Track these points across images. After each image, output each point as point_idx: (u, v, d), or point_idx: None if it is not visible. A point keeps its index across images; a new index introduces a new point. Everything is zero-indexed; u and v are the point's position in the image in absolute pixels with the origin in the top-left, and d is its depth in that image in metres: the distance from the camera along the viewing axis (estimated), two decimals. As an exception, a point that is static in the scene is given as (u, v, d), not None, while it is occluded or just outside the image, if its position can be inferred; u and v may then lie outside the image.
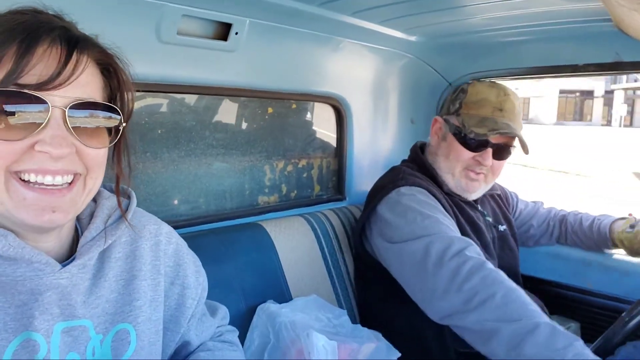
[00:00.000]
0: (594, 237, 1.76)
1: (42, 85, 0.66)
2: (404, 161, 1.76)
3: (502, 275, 1.22)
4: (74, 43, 0.70)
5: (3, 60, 0.65)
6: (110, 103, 0.77)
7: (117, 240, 0.86)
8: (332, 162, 2.07)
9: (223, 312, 1.12)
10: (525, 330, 1.07)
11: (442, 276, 1.25)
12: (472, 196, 1.64)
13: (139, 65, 1.28)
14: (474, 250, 1.29)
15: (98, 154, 0.74)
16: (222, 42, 1.39)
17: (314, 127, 2.02)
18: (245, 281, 1.44)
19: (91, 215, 0.85)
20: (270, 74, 1.64)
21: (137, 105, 1.42)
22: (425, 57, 1.98)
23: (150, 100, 1.47)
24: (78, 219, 0.85)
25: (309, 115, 1.99)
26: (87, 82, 0.72)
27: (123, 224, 0.86)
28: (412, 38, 1.78)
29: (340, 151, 2.04)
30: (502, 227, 1.72)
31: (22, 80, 0.65)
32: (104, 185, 0.91)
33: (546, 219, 1.91)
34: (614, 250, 1.80)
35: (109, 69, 0.77)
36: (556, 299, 1.88)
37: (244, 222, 1.64)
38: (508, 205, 1.88)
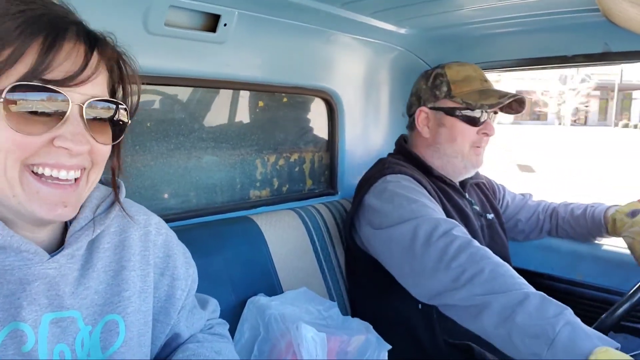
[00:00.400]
0: (587, 225, 1.75)
1: (67, 82, 0.67)
2: (390, 154, 1.77)
3: (489, 251, 1.23)
4: (95, 41, 0.72)
5: (26, 53, 0.65)
6: (115, 98, 0.79)
7: (105, 230, 0.86)
8: (324, 156, 2.06)
9: (213, 305, 1.13)
10: (515, 300, 1.08)
11: (430, 256, 1.25)
12: (475, 171, 1.69)
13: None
14: (461, 230, 1.30)
15: (106, 150, 0.77)
16: (210, 34, 1.38)
17: (305, 121, 2.01)
18: (235, 274, 1.43)
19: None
20: (260, 66, 1.63)
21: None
22: (415, 50, 1.98)
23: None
24: None
25: (300, 109, 1.99)
26: (101, 80, 0.74)
27: (112, 214, 0.85)
28: (402, 30, 1.78)
29: (332, 145, 2.04)
30: (490, 216, 1.73)
31: (47, 76, 0.66)
32: None
33: (535, 212, 1.91)
34: (604, 241, 1.80)
35: (114, 65, 0.79)
36: (547, 291, 1.86)
37: (235, 216, 1.64)
38: (495, 196, 1.89)
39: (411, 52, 1.98)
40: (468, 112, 1.57)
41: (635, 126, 37.22)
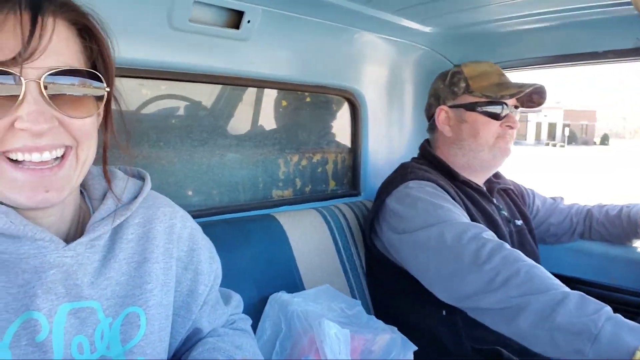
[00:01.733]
0: (622, 225, 1.70)
1: (12, 59, 0.61)
2: (413, 158, 1.74)
3: (522, 254, 1.20)
4: (37, 6, 0.64)
5: None
6: (93, 67, 0.73)
7: (130, 221, 0.84)
8: (346, 157, 2.05)
9: (237, 300, 1.11)
10: (555, 300, 1.05)
11: (461, 259, 1.22)
12: (504, 160, 1.63)
13: (151, 51, 1.29)
14: (490, 234, 1.27)
15: (84, 124, 0.71)
16: (234, 31, 1.39)
17: (328, 122, 2.00)
18: (257, 271, 1.42)
19: (104, 196, 0.83)
20: (283, 64, 1.63)
21: (150, 92, 1.43)
22: (440, 49, 1.95)
23: (162, 88, 1.47)
24: (90, 199, 0.84)
25: (323, 109, 1.98)
26: (61, 48, 0.66)
27: (134, 205, 0.84)
28: (427, 29, 1.76)
29: (355, 146, 2.02)
30: (518, 222, 1.68)
31: None
32: (118, 167, 0.90)
33: (567, 215, 1.85)
34: (638, 244, 1.73)
35: (86, 30, 0.71)
36: (579, 295, 1.82)
37: (257, 214, 1.63)
38: (524, 202, 1.83)
39: (436, 51, 1.96)
40: (490, 108, 1.55)
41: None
